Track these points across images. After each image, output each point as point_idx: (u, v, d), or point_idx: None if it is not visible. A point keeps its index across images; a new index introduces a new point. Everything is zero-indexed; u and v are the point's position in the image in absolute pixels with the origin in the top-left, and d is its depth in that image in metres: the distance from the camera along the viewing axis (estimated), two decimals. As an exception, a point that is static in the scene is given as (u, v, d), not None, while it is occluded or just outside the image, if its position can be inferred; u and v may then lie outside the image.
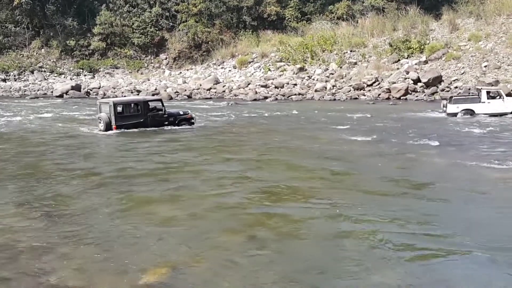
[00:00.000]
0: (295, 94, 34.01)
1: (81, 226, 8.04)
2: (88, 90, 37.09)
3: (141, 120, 19.08)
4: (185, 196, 9.79)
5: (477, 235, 7.40)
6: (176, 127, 19.60)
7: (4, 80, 42.22)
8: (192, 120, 20.42)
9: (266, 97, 33.89)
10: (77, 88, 35.90)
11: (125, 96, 32.91)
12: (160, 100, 20.91)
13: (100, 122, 18.85)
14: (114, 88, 37.72)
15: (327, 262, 6.70)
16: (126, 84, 39.69)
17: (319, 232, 7.73)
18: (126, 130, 18.59)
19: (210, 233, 7.67)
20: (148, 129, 18.97)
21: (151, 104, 19.88)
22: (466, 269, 6.46)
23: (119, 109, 18.94)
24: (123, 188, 10.43)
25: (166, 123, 19.66)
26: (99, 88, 37.84)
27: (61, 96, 34.85)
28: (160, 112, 19.72)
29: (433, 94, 31.22)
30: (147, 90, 36.54)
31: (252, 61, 42.44)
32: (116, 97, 32.48)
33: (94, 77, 44.60)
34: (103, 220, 8.40)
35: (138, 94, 34.18)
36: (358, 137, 16.86)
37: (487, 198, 9.59)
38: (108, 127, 18.48)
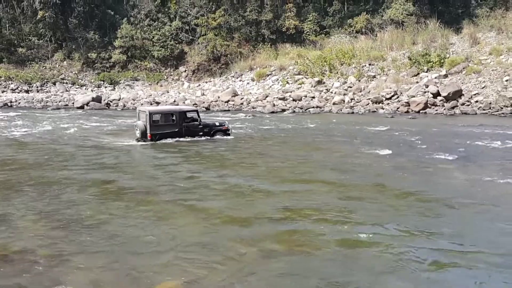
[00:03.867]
0: (313, 107, 33.92)
1: (97, 237, 8.06)
2: (109, 102, 37.45)
3: (176, 130, 19.26)
4: (200, 208, 9.77)
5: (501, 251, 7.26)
6: (212, 137, 19.75)
7: (27, 91, 42.96)
8: (228, 132, 20.47)
9: (284, 110, 33.85)
10: (97, 99, 36.32)
11: (161, 104, 33.25)
12: (196, 110, 20.97)
13: (136, 130, 19.25)
14: (134, 100, 38.07)
15: (341, 276, 6.61)
16: (146, 96, 40.06)
17: (334, 245, 7.65)
18: (160, 141, 18.78)
19: (225, 246, 7.64)
20: (182, 139, 19.15)
21: (187, 115, 20.03)
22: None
23: (155, 118, 19.22)
24: (142, 198, 10.47)
25: (201, 133, 19.77)
26: (119, 100, 38.23)
27: (81, 107, 35.28)
28: (196, 122, 19.86)
29: (453, 108, 30.83)
30: (166, 101, 36.79)
31: (270, 74, 42.51)
32: (149, 105, 32.99)
33: (114, 89, 45.11)
34: (120, 230, 8.41)
35: (169, 104, 34.45)
36: (376, 150, 16.73)
37: (506, 215, 9.40)
38: (143, 135, 18.77)
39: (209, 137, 19.72)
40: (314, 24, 48.95)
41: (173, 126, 19.32)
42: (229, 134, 20.40)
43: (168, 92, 42.08)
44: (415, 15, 45.03)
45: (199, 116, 20.15)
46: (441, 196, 10.67)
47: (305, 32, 48.68)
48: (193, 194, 10.84)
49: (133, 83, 46.72)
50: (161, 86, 45.46)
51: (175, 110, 20.64)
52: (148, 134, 18.70)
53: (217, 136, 19.98)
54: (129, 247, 7.64)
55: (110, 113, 32.34)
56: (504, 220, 9.00)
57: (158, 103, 36.41)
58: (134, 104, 36.82)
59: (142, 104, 36.05)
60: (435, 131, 22.41)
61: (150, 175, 13.02)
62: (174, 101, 36.97)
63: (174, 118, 19.50)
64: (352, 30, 46.96)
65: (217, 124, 20.83)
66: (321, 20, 49.61)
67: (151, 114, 18.99)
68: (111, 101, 37.76)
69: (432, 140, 19.42)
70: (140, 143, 18.99)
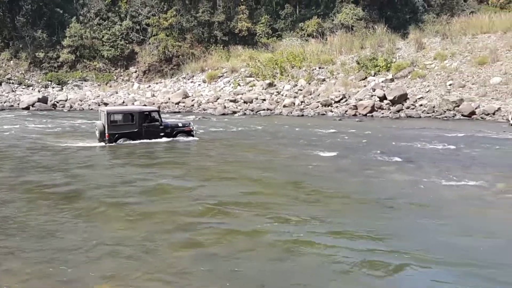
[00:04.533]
0: (264, 109, 34.04)
1: (27, 240, 7.75)
2: (55, 103, 36.37)
3: (135, 130, 18.90)
4: (139, 212, 9.55)
5: (435, 250, 7.41)
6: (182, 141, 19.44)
7: (-29, 92, 41.27)
8: (192, 133, 20.16)
9: (234, 112, 33.83)
10: (43, 100, 35.18)
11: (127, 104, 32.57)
12: (157, 111, 20.59)
13: (96, 130, 18.91)
14: (81, 101, 37.16)
15: (281, 278, 6.58)
16: (94, 97, 39.17)
17: (273, 247, 7.62)
18: (119, 142, 18.46)
19: (163, 249, 7.50)
20: (142, 141, 18.80)
21: (147, 115, 19.62)
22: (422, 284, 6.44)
23: (113, 118, 18.84)
24: (84, 204, 10.15)
25: (162, 134, 19.41)
26: (66, 101, 37.18)
27: (27, 108, 34.08)
28: (156, 123, 19.49)
29: (398, 111, 31.60)
30: (115, 103, 36.11)
31: (222, 76, 42.43)
32: (103, 106, 32.16)
33: (62, 89, 43.87)
34: (50, 231, 8.13)
35: (129, 104, 33.68)
36: (321, 153, 16.90)
37: (443, 215, 9.63)
38: (102, 135, 18.46)
39: (170, 139, 19.38)
40: (266, 27, 49.25)
41: (131, 126, 18.96)
42: (193, 135, 20.10)
43: (117, 93, 41.31)
44: (365, 19, 46.07)
45: (160, 117, 19.84)
46: (379, 197, 10.85)
47: (257, 34, 48.90)
48: (138, 198, 10.60)
49: (82, 83, 45.61)
50: (110, 86, 44.61)
51: (135, 110, 20.30)
52: (106, 134, 18.36)
53: (180, 138, 19.64)
54: (59, 248, 7.39)
55: (56, 114, 31.44)
56: (439, 220, 9.23)
57: (106, 104, 35.69)
58: (81, 105, 35.98)
59: (89, 105, 35.22)
60: (379, 134, 22.86)
61: (89, 177, 12.67)
62: (123, 102, 36.39)
63: (133, 118, 19.12)
64: (304, 34, 47.51)
65: (180, 124, 20.50)
66: (273, 23, 49.97)
67: (109, 114, 18.64)
68: (57, 102, 36.74)
69: (376, 142, 19.79)
70: (87, 144, 18.60)
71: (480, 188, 11.81)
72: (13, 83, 43.75)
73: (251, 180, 12.66)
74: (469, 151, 17.76)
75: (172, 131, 19.76)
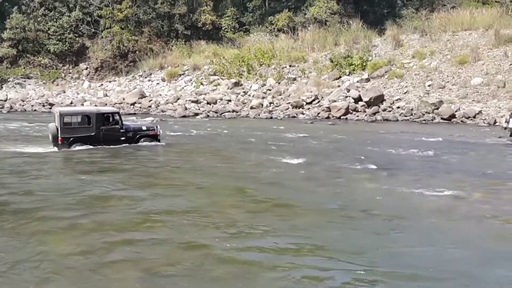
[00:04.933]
0: (229, 111, 34.18)
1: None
2: (-8, 103, 35.77)
3: (92, 134, 18.59)
4: (82, 227, 9.52)
5: (399, 266, 7.65)
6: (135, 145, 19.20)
7: None
8: (158, 137, 19.87)
9: (197, 114, 33.86)
10: (-24, 100, 34.58)
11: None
12: (117, 112, 20.23)
13: (49, 133, 18.65)
14: (24, 101, 36.59)
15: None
16: (38, 97, 38.57)
17: (231, 263, 7.73)
18: (74, 148, 18.20)
19: (102, 269, 7.51)
20: (99, 146, 18.51)
21: (107, 117, 19.27)
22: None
23: (67, 119, 18.49)
24: (12, 218, 10.06)
25: (123, 138, 19.11)
26: (5, 101, 36.48)
27: (-45, 109, 33.36)
28: (117, 126, 19.14)
29: (374, 114, 32.20)
30: (61, 103, 35.69)
31: (183, 74, 42.35)
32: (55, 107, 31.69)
33: (1, 87, 42.95)
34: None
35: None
36: (289, 159, 17.09)
37: (411, 227, 9.92)
38: (55, 139, 18.16)
39: (131, 144, 19.14)
40: (233, 20, 49.43)
41: (88, 129, 18.64)
42: (159, 140, 19.89)
43: (64, 92, 40.85)
44: (339, 14, 46.74)
45: (121, 119, 19.44)
46: (347, 208, 11.08)
47: (223, 28, 49.02)
48: (79, 212, 10.56)
49: (25, 81, 44.74)
50: (57, 85, 43.94)
51: (91, 111, 20.04)
52: (59, 138, 18.10)
53: (144, 143, 19.41)
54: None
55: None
56: (402, 231, 9.51)
57: (51, 105, 35.19)
58: (23, 105, 35.39)
59: (33, 106, 34.67)
60: (353, 138, 23.29)
61: (24, 187, 12.53)
62: (71, 103, 36.00)
63: (90, 120, 18.79)
64: (274, 28, 47.86)
65: (144, 128, 20.25)
66: (240, 16, 50.21)
67: (62, 115, 18.35)
68: (-5, 102, 35.98)
69: (349, 148, 20.17)
70: (30, 150, 18.32)
71: (455, 197, 12.18)
72: None
73: (204, 189, 12.73)
74: (448, 157, 18.30)
75: (134, 135, 19.46)
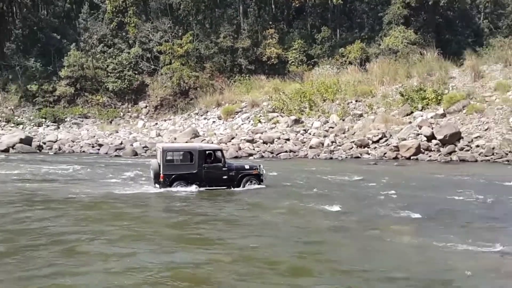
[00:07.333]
0: (286, 151, 33.45)
1: None
2: (41, 144, 36.64)
3: (194, 172, 19.04)
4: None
5: None
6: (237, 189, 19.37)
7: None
8: (262, 177, 20.02)
9: (250, 154, 33.34)
10: (27, 141, 35.46)
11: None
12: (220, 149, 20.83)
13: (151, 170, 19.42)
14: (73, 142, 37.38)
15: None
16: (88, 137, 39.41)
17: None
18: (176, 188, 18.69)
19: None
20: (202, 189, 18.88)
21: (208, 154, 19.78)
22: None
23: (169, 156, 19.18)
24: None
25: (225, 177, 19.36)
26: (55, 142, 37.44)
27: (6, 150, 34.26)
28: (219, 164, 19.51)
29: (449, 153, 30.51)
30: (111, 144, 36.22)
31: (240, 111, 42.19)
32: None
33: (59, 127, 44.19)
34: None
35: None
36: (328, 206, 16.15)
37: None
38: (156, 176, 18.91)
39: (235, 188, 19.37)
40: (300, 53, 49.15)
41: (190, 167, 19.15)
42: (262, 180, 19.99)
43: (117, 132, 41.62)
44: (418, 44, 45.26)
45: (223, 157, 19.95)
46: (366, 266, 10.08)
47: (289, 62, 48.82)
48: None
49: (82, 121, 46.02)
50: (117, 124, 44.72)
51: (194, 147, 20.73)
52: (161, 175, 18.70)
53: (250, 186, 19.58)
54: None
55: (39, 157, 31.61)
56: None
57: (101, 145, 35.91)
58: (72, 146, 36.26)
59: (82, 146, 35.53)
60: (416, 183, 21.89)
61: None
62: (121, 143, 36.46)
63: (192, 157, 19.31)
64: (345, 61, 47.06)
65: (247, 167, 20.53)
66: (308, 48, 49.85)
67: (164, 151, 19.05)
68: (44, 143, 37.06)
69: (405, 194, 18.89)
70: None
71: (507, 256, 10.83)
72: (0, 120, 44.25)
73: (211, 243, 12.03)
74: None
75: (237, 174, 19.66)
